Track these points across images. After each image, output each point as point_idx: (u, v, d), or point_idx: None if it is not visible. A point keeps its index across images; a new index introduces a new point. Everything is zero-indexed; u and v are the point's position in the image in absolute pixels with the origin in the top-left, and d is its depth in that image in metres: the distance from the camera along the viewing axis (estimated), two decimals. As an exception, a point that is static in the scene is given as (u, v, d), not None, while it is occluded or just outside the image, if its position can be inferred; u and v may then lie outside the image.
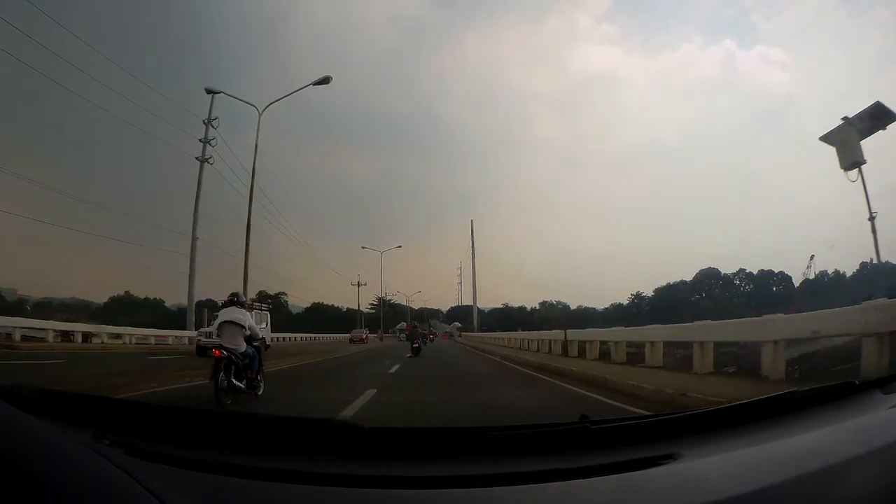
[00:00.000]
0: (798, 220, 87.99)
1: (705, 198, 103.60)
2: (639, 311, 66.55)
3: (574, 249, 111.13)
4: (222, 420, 1.26)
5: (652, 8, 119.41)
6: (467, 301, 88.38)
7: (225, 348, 6.26)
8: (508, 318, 77.61)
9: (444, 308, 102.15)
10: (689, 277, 71.03)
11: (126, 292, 62.40)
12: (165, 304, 62.45)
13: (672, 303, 60.54)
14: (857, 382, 1.49)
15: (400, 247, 63.24)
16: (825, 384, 1.53)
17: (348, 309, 68.18)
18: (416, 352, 19.20)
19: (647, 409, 5.81)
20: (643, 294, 73.46)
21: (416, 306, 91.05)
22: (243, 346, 6.49)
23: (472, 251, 72.34)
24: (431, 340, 34.35)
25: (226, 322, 6.54)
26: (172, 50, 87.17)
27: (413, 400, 7.76)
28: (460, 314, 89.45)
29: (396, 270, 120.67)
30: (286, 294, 74.01)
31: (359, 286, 60.98)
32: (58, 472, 0.85)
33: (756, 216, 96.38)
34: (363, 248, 65.46)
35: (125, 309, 53.54)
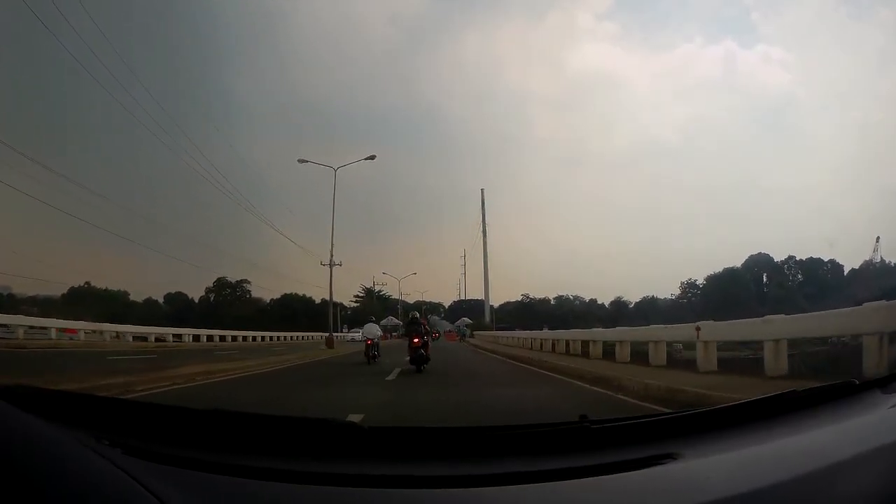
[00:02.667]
0: (800, 219, 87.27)
1: (715, 196, 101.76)
2: (690, 302, 59.07)
3: (577, 248, 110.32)
4: (222, 420, 1.26)
5: (652, 7, 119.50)
6: (472, 295, 77.55)
7: (372, 340, 15.34)
8: (529, 312, 64.88)
9: (444, 304, 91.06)
10: (716, 269, 63.01)
11: (87, 283, 54.63)
12: (130, 297, 57.97)
13: (731, 292, 53.35)
14: (857, 382, 1.50)
15: (373, 157, 36.68)
16: (826, 383, 1.52)
17: (323, 301, 50.59)
18: (417, 361, 11.55)
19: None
20: (696, 282, 64.65)
21: (410, 300, 78.75)
22: (377, 339, 15.62)
23: (483, 229, 58.76)
24: (435, 339, 22.59)
25: (372, 329, 16.23)
26: (172, 48, 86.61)
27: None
28: (465, 310, 76.80)
29: (392, 267, 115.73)
30: (249, 282, 63.67)
31: (331, 266, 39.71)
32: (58, 472, 0.85)
33: (767, 212, 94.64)
34: (301, 161, 35.75)
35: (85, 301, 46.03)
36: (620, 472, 1.08)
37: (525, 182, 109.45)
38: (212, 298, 64.72)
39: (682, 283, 65.69)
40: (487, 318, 58.32)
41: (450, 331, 62.79)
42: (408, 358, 12.01)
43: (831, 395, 1.48)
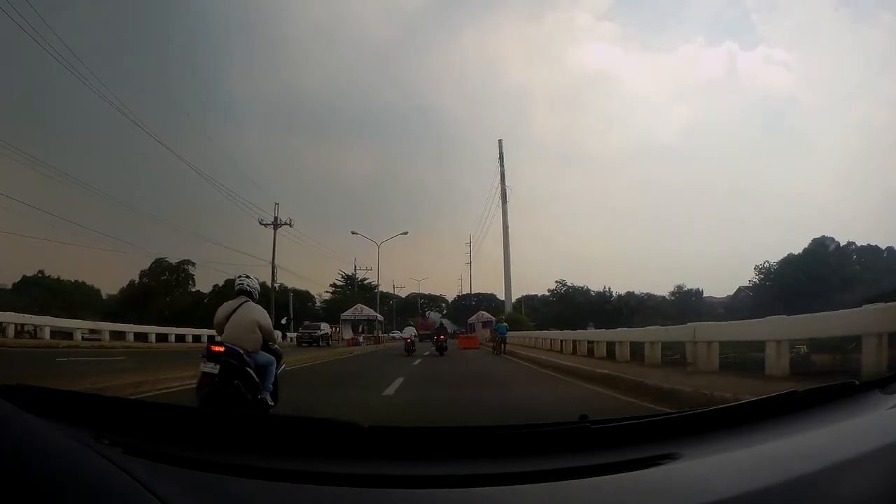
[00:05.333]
0: (801, 217, 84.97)
1: (719, 194, 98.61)
2: (764, 292, 47.28)
3: (580, 247, 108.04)
4: (222, 420, 1.27)
5: (652, 7, 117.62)
6: (479, 289, 67.43)
7: (410, 338, 22.94)
8: (564, 306, 51.82)
9: (447, 297, 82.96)
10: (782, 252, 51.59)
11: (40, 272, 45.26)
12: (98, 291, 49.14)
13: (816, 277, 42.67)
14: (857, 382, 1.49)
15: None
16: (826, 384, 1.51)
17: (284, 288, 42.92)
18: (440, 349, 21.85)
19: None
20: (771, 265, 50.35)
21: (403, 293, 73.93)
22: (413, 337, 23.54)
23: (503, 191, 44.15)
24: (443, 342, 22.22)
25: (410, 331, 26.38)
26: (166, 45, 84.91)
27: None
28: (472, 307, 63.74)
29: (392, 266, 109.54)
30: (192, 264, 50.52)
31: (275, 227, 33.11)
32: (58, 472, 0.85)
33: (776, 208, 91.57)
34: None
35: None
36: (621, 472, 1.08)
37: (527, 180, 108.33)
38: (145, 282, 51.53)
39: (757, 267, 53.13)
40: (509, 310, 42.08)
41: (464, 332, 43.17)
42: (434, 349, 22.27)
43: (831, 396, 1.48)
